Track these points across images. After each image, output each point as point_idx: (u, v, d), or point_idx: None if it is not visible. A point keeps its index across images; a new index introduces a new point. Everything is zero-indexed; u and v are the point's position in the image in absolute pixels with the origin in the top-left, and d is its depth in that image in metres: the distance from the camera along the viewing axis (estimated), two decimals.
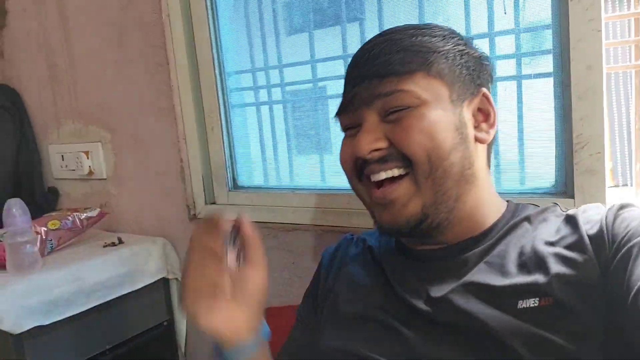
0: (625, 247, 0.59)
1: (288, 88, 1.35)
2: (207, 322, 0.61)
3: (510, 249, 0.68)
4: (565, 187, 0.97)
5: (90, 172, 1.66)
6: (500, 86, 1.03)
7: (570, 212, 0.69)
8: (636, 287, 0.55)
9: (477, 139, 0.71)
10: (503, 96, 1.03)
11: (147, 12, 1.44)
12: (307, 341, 0.83)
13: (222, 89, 1.41)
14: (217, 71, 1.40)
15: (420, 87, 0.68)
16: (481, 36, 1.03)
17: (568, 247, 0.64)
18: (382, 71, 0.68)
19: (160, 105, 1.47)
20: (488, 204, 0.74)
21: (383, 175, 0.70)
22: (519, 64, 1.01)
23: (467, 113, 0.71)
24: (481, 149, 0.73)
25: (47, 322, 1.17)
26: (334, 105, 1.29)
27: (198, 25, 1.39)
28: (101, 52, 1.59)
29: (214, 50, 1.39)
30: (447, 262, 0.71)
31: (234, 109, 1.45)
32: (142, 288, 1.37)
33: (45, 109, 1.80)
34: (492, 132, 0.73)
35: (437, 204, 0.69)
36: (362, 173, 0.73)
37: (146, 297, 1.40)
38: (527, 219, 0.72)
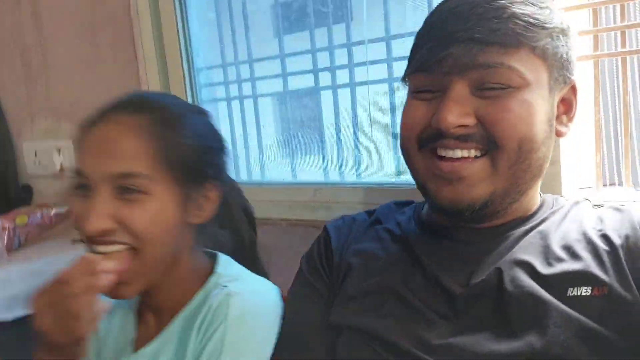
0: None
1: (259, 83, 1.36)
2: None
3: (553, 232, 0.65)
4: None
5: (62, 169, 1.65)
6: None
7: (608, 204, 0.68)
8: None
9: (557, 133, 0.66)
10: None
11: (117, 9, 1.45)
12: (321, 315, 0.72)
13: (191, 84, 1.41)
14: (185, 66, 1.40)
15: (525, 65, 0.60)
16: None
17: (619, 236, 0.61)
18: (488, 38, 0.59)
19: None
20: (537, 194, 0.71)
21: (459, 154, 0.62)
22: None
23: (556, 102, 0.66)
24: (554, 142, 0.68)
25: (10, 318, 1.16)
26: (304, 99, 1.30)
27: (166, 21, 1.40)
28: (74, 49, 1.59)
29: (182, 46, 1.39)
30: (488, 244, 0.66)
31: (204, 104, 1.44)
32: None
33: (20, 107, 1.79)
34: (571, 126, 0.68)
35: (507, 194, 0.64)
36: (426, 142, 0.65)
37: None
38: (564, 207, 0.69)
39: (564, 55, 0.65)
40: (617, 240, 0.60)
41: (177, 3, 1.38)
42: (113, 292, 0.70)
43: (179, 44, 1.38)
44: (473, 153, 0.62)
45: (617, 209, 0.66)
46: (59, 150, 1.65)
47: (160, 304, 0.79)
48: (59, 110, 1.67)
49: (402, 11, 1.12)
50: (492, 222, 0.68)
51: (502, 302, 0.60)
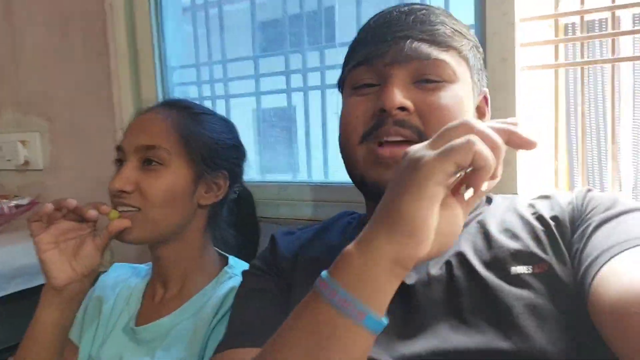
0: (586, 223, 0.61)
1: (232, 84, 1.36)
2: None
3: (489, 219, 0.68)
4: None
5: (26, 162, 1.62)
6: None
7: (538, 194, 0.71)
8: (585, 264, 0.56)
9: None
10: None
11: (90, 1, 1.44)
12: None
13: (162, 81, 1.41)
14: (157, 62, 1.39)
15: (455, 62, 0.68)
16: None
17: (551, 217, 0.65)
18: (424, 37, 0.67)
19: (99, 94, 1.45)
20: None
21: (398, 138, 0.66)
22: None
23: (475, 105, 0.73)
24: None
25: None
26: (272, 100, 1.31)
27: (140, 16, 1.39)
28: (45, 40, 1.57)
29: (155, 41, 1.39)
30: None
31: None
32: None
33: None
34: None
35: None
36: (367, 135, 0.68)
37: None
38: (498, 200, 0.74)
39: (479, 66, 0.73)
40: (550, 221, 0.64)
41: None
42: (120, 235, 0.87)
43: (152, 39, 1.38)
44: (409, 136, 0.65)
45: (545, 196, 0.70)
46: (24, 143, 1.62)
47: (170, 280, 0.94)
48: (26, 102, 1.65)
49: None
50: None
51: (453, 293, 0.62)
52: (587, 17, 0.98)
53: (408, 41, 0.66)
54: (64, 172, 1.58)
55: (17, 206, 1.40)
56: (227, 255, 0.99)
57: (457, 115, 0.65)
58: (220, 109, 1.37)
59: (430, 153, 0.45)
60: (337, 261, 0.49)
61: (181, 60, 1.43)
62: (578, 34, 0.99)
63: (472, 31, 0.74)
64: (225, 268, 0.94)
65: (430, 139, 0.47)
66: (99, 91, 1.46)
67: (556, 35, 1.02)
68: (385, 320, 0.47)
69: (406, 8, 0.70)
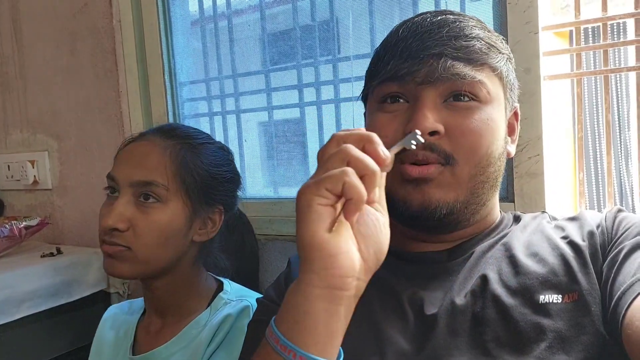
0: (618, 248, 0.58)
1: (243, 98, 1.34)
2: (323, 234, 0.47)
3: (515, 241, 0.66)
4: (506, 192, 0.96)
5: (35, 182, 1.60)
6: None
7: (566, 215, 0.69)
8: (618, 293, 0.54)
9: (507, 153, 0.70)
10: None
11: (99, 18, 1.42)
12: None
13: (173, 98, 1.39)
14: (167, 79, 1.37)
15: (489, 82, 0.64)
16: None
17: (582, 242, 0.62)
18: (458, 54, 0.63)
19: (109, 112, 1.43)
20: (496, 208, 0.72)
21: (425, 162, 0.63)
22: None
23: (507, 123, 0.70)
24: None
25: None
26: (284, 114, 1.29)
27: (149, 32, 1.37)
28: (53, 59, 1.55)
29: (165, 58, 1.37)
30: (453, 263, 0.66)
31: (186, 119, 1.42)
32: (79, 301, 1.30)
33: None
34: (514, 148, 0.72)
35: (469, 204, 0.65)
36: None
37: (84, 311, 1.33)
38: (524, 220, 0.71)
39: (512, 81, 0.69)
40: (582, 243, 0.61)
41: (161, 13, 1.36)
42: (109, 267, 0.84)
43: (162, 55, 1.36)
44: (436, 162, 0.63)
45: (572, 218, 0.68)
46: (32, 163, 1.60)
47: (164, 310, 0.91)
48: (35, 121, 1.63)
49: None
50: (454, 235, 0.68)
51: (476, 322, 0.59)
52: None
53: (442, 60, 0.62)
54: (73, 192, 1.55)
55: (26, 227, 1.37)
56: (222, 279, 0.97)
57: (489, 139, 0.63)
58: (231, 124, 1.35)
59: (309, 182, 0.48)
60: (283, 302, 0.51)
61: (191, 75, 1.41)
62: (591, 42, 0.96)
63: (504, 41, 0.70)
64: (220, 294, 0.91)
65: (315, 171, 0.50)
66: (108, 109, 1.44)
67: (577, 43, 1.00)
68: (337, 358, 0.49)
69: (439, 18, 0.66)
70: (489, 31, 0.68)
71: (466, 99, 0.63)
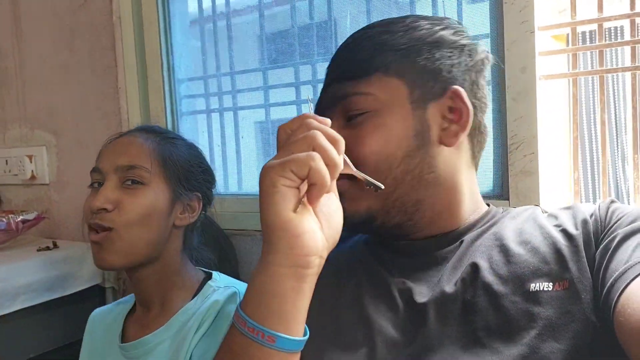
0: (610, 236, 0.58)
1: (240, 96, 1.34)
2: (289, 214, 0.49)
3: (506, 229, 0.65)
4: (501, 189, 0.96)
5: (33, 177, 1.60)
6: None
7: (560, 206, 0.68)
8: (611, 280, 0.53)
9: (441, 142, 0.66)
10: None
11: (98, 14, 1.43)
12: None
13: (171, 95, 1.39)
14: (165, 75, 1.38)
15: (378, 88, 0.65)
16: None
17: (575, 230, 0.61)
18: (342, 74, 0.67)
19: (106, 108, 1.44)
20: (465, 205, 0.68)
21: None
22: None
23: (433, 114, 0.65)
24: (450, 151, 0.66)
25: None
26: (281, 112, 1.29)
27: (148, 29, 1.38)
28: (52, 55, 1.56)
29: (164, 55, 1.37)
30: (437, 254, 0.66)
31: (183, 116, 1.42)
32: (74, 295, 1.30)
33: None
34: (463, 134, 0.66)
35: (388, 209, 0.65)
36: None
37: (79, 306, 1.33)
38: (514, 211, 0.69)
39: (431, 67, 0.65)
40: (575, 232, 0.61)
41: (160, 10, 1.37)
42: (98, 259, 0.87)
43: (160, 52, 1.37)
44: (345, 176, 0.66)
45: (566, 208, 0.67)
46: (30, 158, 1.60)
47: (152, 300, 0.93)
48: (34, 117, 1.63)
49: None
50: (421, 234, 0.68)
51: (467, 311, 0.59)
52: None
53: (333, 84, 0.68)
54: (70, 187, 1.56)
55: (23, 221, 1.37)
56: (212, 272, 0.98)
57: (379, 142, 0.64)
58: (229, 121, 1.35)
59: (273, 162, 0.49)
60: (247, 286, 0.52)
61: (189, 72, 1.42)
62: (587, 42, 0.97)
63: (484, 40, 0.69)
64: (209, 282, 0.93)
65: (279, 151, 0.51)
66: (106, 105, 1.44)
67: (573, 43, 1.00)
68: (303, 336, 0.52)
69: (349, 39, 0.71)
70: (389, 31, 0.67)
71: (358, 115, 0.65)
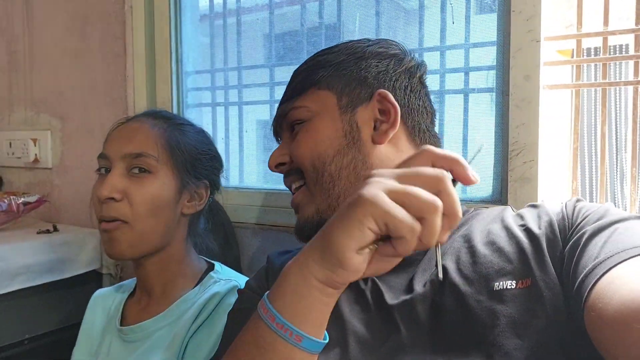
0: (579, 233, 0.59)
1: (246, 91, 1.36)
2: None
3: (474, 231, 0.67)
4: (500, 195, 0.97)
5: (36, 160, 1.62)
6: (448, 98, 1.05)
7: (529, 204, 0.70)
8: (581, 276, 0.54)
9: (374, 141, 0.72)
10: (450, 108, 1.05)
11: (111, 3, 1.44)
12: None
13: (178, 86, 1.40)
14: (173, 67, 1.39)
15: (310, 101, 0.74)
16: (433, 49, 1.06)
17: (539, 229, 0.63)
18: (285, 97, 0.78)
19: (113, 96, 1.45)
20: None
21: (293, 186, 0.76)
22: (466, 79, 1.03)
23: (362, 117, 0.73)
24: (387, 150, 0.72)
25: None
26: None
27: (159, 19, 1.39)
28: (62, 40, 1.57)
29: (173, 46, 1.38)
30: (407, 256, 0.67)
31: (189, 108, 1.43)
32: (72, 279, 1.31)
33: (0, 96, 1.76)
34: (392, 131, 0.72)
35: (334, 206, 0.70)
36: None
37: (76, 290, 1.34)
38: (485, 212, 0.71)
39: (357, 76, 0.74)
40: (538, 231, 0.62)
41: (172, 1, 1.38)
42: (109, 248, 0.87)
43: (170, 43, 1.38)
44: (297, 184, 0.76)
45: (534, 206, 0.69)
46: (35, 141, 1.62)
47: (154, 287, 0.93)
48: (40, 101, 1.64)
49: None
50: None
51: (435, 312, 0.61)
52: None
53: (280, 107, 0.79)
54: (72, 172, 1.57)
55: (24, 203, 1.38)
56: (215, 262, 1.00)
57: (310, 143, 0.72)
58: (233, 115, 1.36)
59: (379, 196, 0.45)
60: (278, 280, 0.53)
61: (197, 65, 1.43)
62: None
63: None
64: (211, 273, 0.94)
65: (402, 170, 0.48)
66: (114, 93, 1.45)
67: (578, 55, 1.02)
68: (324, 340, 0.53)
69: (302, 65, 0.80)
70: (334, 52, 0.77)
71: (296, 124, 0.75)
